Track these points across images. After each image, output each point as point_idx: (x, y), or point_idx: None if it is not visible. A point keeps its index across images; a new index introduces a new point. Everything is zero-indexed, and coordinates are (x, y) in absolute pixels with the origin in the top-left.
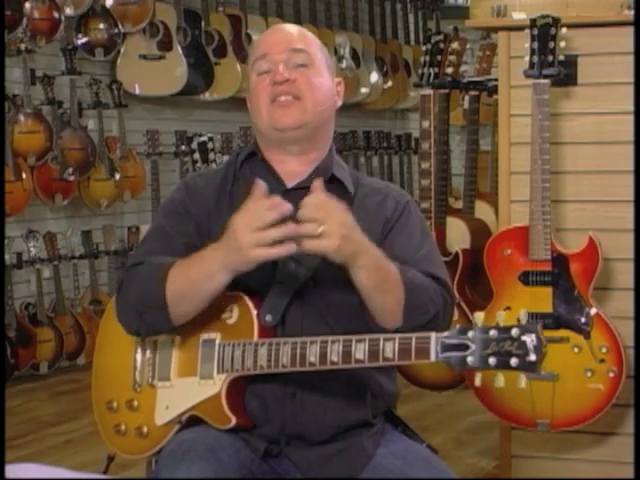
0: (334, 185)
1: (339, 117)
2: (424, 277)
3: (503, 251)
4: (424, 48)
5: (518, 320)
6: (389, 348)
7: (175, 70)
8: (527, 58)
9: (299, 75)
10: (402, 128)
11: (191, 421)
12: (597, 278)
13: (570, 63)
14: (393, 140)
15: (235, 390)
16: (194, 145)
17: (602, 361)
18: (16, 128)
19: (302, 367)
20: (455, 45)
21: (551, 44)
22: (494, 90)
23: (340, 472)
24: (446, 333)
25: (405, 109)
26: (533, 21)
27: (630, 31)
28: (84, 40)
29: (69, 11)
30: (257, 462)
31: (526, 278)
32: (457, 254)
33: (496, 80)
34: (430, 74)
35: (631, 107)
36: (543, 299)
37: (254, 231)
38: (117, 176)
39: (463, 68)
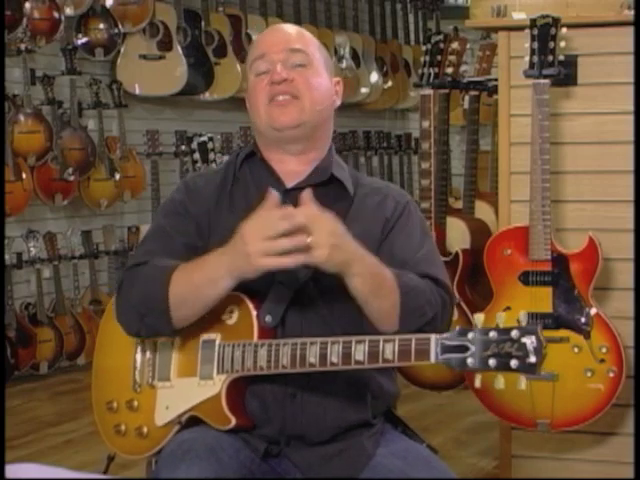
0: (334, 185)
1: (339, 117)
2: (420, 280)
3: (503, 251)
4: (424, 48)
5: (518, 321)
6: (389, 349)
7: (175, 70)
8: (527, 58)
9: (297, 75)
10: (402, 128)
11: (191, 421)
12: (597, 278)
13: (570, 63)
14: (393, 140)
15: (235, 391)
16: (194, 145)
17: (602, 361)
18: (16, 128)
19: (302, 368)
20: (455, 45)
21: (551, 44)
22: (494, 90)
23: (340, 472)
24: (446, 335)
25: (405, 109)
26: (533, 21)
27: (630, 31)
28: (84, 40)
29: (69, 11)
30: (257, 462)
31: (526, 278)
32: (457, 254)
33: (496, 80)
34: (430, 74)
35: (631, 107)
36: (543, 299)
37: (264, 240)
38: (117, 176)
39: (463, 68)
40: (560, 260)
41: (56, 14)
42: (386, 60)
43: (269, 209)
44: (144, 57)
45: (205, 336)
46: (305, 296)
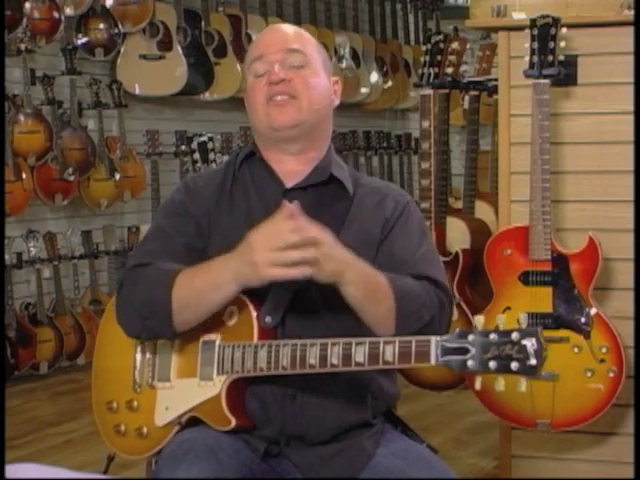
0: (333, 185)
1: (339, 117)
2: (416, 283)
3: (503, 251)
4: (424, 48)
5: (518, 322)
6: (389, 351)
7: (175, 70)
8: (527, 58)
9: (295, 75)
10: (402, 128)
11: (191, 421)
12: (597, 278)
13: (570, 63)
14: (393, 140)
15: (235, 391)
16: (194, 145)
17: (602, 361)
18: (16, 128)
19: (302, 369)
20: (455, 45)
21: (551, 44)
22: (494, 90)
23: (340, 472)
24: (446, 337)
25: (405, 109)
26: (533, 21)
27: (630, 31)
28: (84, 40)
29: (69, 11)
30: (257, 462)
31: (526, 278)
32: (457, 254)
33: (496, 80)
34: (430, 74)
35: (631, 107)
36: (543, 299)
37: (274, 250)
38: (117, 176)
39: (463, 68)
40: (560, 260)
41: (56, 14)
42: (386, 60)
43: (281, 220)
44: (144, 57)
45: (205, 337)
46: (305, 297)
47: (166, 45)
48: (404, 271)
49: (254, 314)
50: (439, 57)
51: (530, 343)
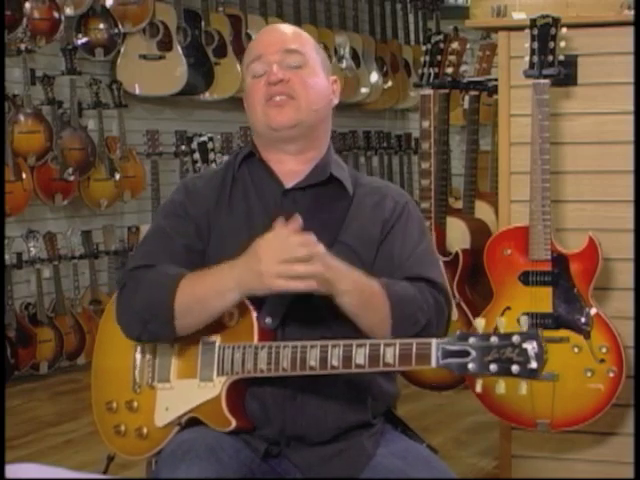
0: (333, 185)
1: (339, 117)
2: (410, 287)
3: (503, 251)
4: (424, 48)
5: (518, 322)
6: (390, 353)
7: (175, 70)
8: (527, 58)
9: (293, 75)
10: (402, 128)
11: (191, 421)
12: (597, 278)
13: (570, 63)
14: (393, 140)
15: (235, 393)
16: (194, 145)
17: (602, 361)
18: (16, 128)
19: (302, 371)
20: (455, 45)
21: (551, 44)
22: (494, 90)
23: (340, 472)
24: (447, 339)
25: (405, 109)
26: (533, 21)
27: (630, 31)
28: (84, 40)
29: (69, 11)
30: (257, 462)
31: (526, 278)
32: (457, 254)
33: (496, 80)
34: (430, 74)
35: (631, 107)
36: (543, 299)
37: (281, 262)
38: (117, 176)
39: (463, 68)
40: (560, 260)
41: (56, 14)
42: (386, 60)
43: (289, 232)
44: (144, 57)
45: (205, 338)
46: (305, 298)
47: (166, 45)
48: (402, 272)
49: (254, 315)
50: (439, 57)
51: (531, 346)
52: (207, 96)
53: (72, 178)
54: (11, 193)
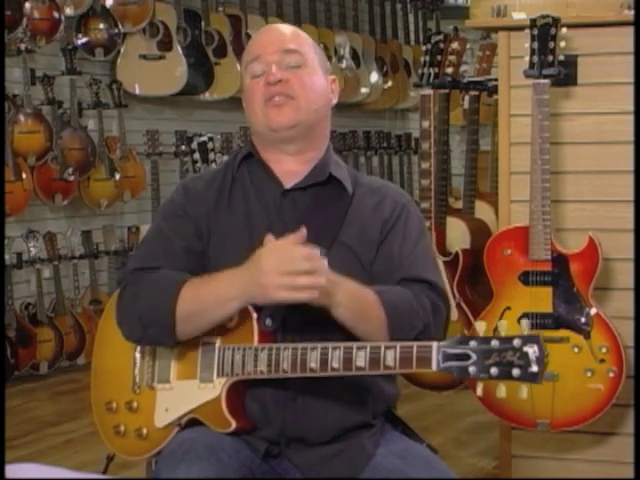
0: (332, 185)
1: (339, 117)
2: (406, 292)
3: (503, 251)
4: (424, 48)
5: (519, 322)
6: (390, 356)
7: (175, 70)
8: (527, 58)
9: (292, 75)
10: (402, 128)
11: (191, 421)
12: (597, 278)
13: (570, 63)
14: (393, 140)
15: (235, 394)
16: (194, 145)
17: (602, 361)
18: (16, 128)
19: (303, 373)
20: (455, 45)
21: (551, 44)
22: (494, 90)
23: (340, 472)
24: (447, 342)
25: (405, 109)
26: (533, 21)
27: (630, 31)
28: (84, 40)
29: (69, 11)
30: (257, 462)
31: (526, 278)
32: (457, 254)
33: (496, 80)
34: (430, 74)
35: (631, 107)
36: (543, 299)
37: (284, 274)
38: (117, 176)
39: (463, 68)
40: (560, 260)
41: (56, 14)
42: (386, 60)
43: (294, 245)
44: (144, 57)
45: (205, 339)
46: None
47: (166, 45)
48: (400, 273)
49: (254, 316)
50: (439, 57)
51: (532, 350)
52: (207, 96)
53: (72, 178)
54: (11, 193)
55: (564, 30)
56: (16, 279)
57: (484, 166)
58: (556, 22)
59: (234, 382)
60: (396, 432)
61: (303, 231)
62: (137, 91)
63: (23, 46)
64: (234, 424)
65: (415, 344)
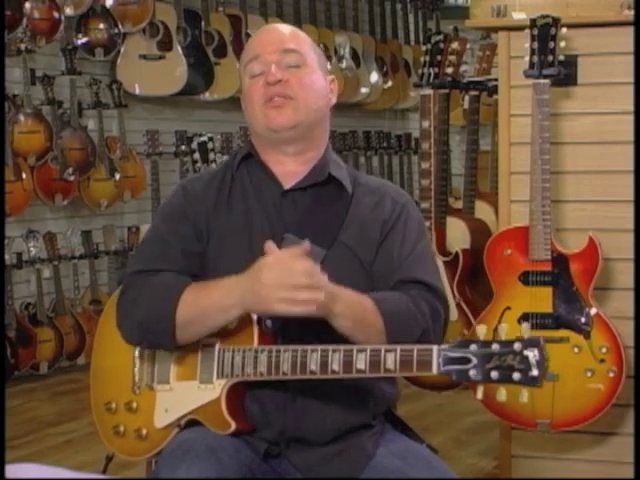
0: (331, 185)
1: (339, 117)
2: (404, 297)
3: (503, 251)
4: (424, 48)
5: (518, 321)
6: (390, 359)
7: (175, 70)
8: (527, 58)
9: (291, 75)
10: (402, 128)
11: (191, 422)
12: (597, 278)
13: (570, 63)
14: (393, 140)
15: (235, 395)
16: (194, 145)
17: (602, 361)
18: (16, 128)
19: (303, 375)
20: (455, 45)
21: (551, 44)
22: (494, 90)
23: (340, 472)
24: (448, 346)
25: (405, 109)
26: (533, 21)
27: (630, 31)
28: (84, 40)
29: (69, 11)
30: (257, 462)
31: (526, 278)
32: (457, 254)
33: (496, 80)
34: (430, 74)
35: (631, 107)
36: (543, 299)
37: (283, 288)
38: (117, 176)
39: (463, 68)
40: (560, 260)
41: (56, 14)
42: (386, 60)
43: (296, 259)
44: (144, 57)
45: (205, 340)
46: None
47: (166, 45)
48: (399, 275)
49: (254, 318)
50: (439, 57)
51: (532, 354)
52: (207, 96)
53: (72, 178)
54: (11, 193)
55: (564, 30)
56: (16, 279)
57: (484, 166)
58: (556, 22)
59: (234, 383)
60: (396, 432)
61: (306, 244)
62: (137, 91)
63: (23, 46)
64: (234, 425)
65: (415, 347)
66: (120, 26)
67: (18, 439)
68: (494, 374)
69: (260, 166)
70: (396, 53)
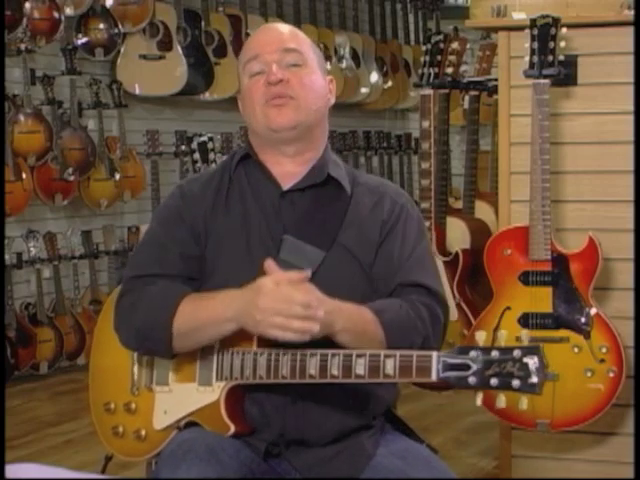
0: (330, 185)
1: (339, 117)
2: (403, 305)
3: (503, 251)
4: (424, 48)
5: (518, 321)
6: (390, 365)
7: (175, 70)
8: (527, 58)
9: (292, 75)
10: (402, 128)
11: (190, 424)
12: (597, 278)
13: (570, 63)
14: (393, 140)
15: (234, 397)
16: (194, 145)
17: (602, 361)
18: (16, 128)
19: (302, 379)
20: (455, 45)
21: (551, 44)
22: (494, 90)
23: (340, 472)
24: (447, 352)
25: (405, 109)
26: (533, 21)
27: (630, 31)
28: (84, 40)
29: (69, 11)
30: (257, 462)
31: (526, 278)
32: (457, 254)
33: (496, 80)
34: (430, 74)
35: (631, 107)
36: (543, 299)
37: (278, 315)
38: (117, 176)
39: (463, 68)
40: (560, 260)
41: (56, 14)
42: (386, 60)
43: (295, 287)
44: (144, 57)
45: None
46: None
47: (166, 45)
48: (398, 278)
49: None
50: (439, 57)
51: (532, 361)
52: (207, 96)
53: (72, 178)
54: (11, 193)
55: (564, 30)
56: (16, 279)
57: (484, 166)
58: (556, 22)
59: (233, 386)
60: (396, 432)
61: (307, 273)
62: (137, 91)
63: (23, 46)
64: (233, 428)
65: (415, 353)
66: (120, 26)
67: (18, 439)
68: (493, 381)
69: (258, 167)
70: (396, 53)
